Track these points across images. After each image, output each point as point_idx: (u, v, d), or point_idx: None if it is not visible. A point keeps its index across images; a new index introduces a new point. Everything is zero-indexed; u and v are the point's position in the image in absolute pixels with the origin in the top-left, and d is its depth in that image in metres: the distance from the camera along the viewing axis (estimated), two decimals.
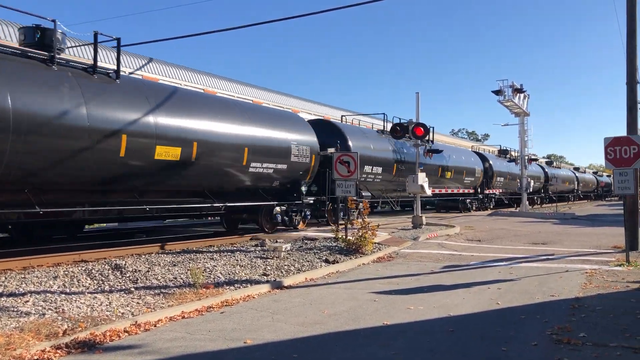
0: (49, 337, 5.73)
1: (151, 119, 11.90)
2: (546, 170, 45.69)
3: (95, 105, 10.78)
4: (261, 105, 21.69)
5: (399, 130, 21.27)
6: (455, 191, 31.15)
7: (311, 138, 17.49)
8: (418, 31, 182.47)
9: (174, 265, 10.16)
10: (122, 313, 6.89)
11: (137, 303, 7.44)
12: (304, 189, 16.97)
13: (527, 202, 34.16)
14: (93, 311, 6.90)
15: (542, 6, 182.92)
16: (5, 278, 8.49)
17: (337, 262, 11.47)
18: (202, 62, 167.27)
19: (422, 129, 20.01)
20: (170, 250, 12.40)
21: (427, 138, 21.78)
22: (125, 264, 9.76)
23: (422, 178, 19.93)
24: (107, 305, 7.23)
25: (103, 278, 8.88)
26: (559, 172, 53.64)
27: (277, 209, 16.03)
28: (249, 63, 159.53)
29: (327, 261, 11.46)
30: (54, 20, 10.91)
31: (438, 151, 25.35)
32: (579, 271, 10.60)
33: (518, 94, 32.14)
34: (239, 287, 8.71)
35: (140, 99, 11.95)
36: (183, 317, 6.96)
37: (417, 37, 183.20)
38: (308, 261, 11.31)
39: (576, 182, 59.94)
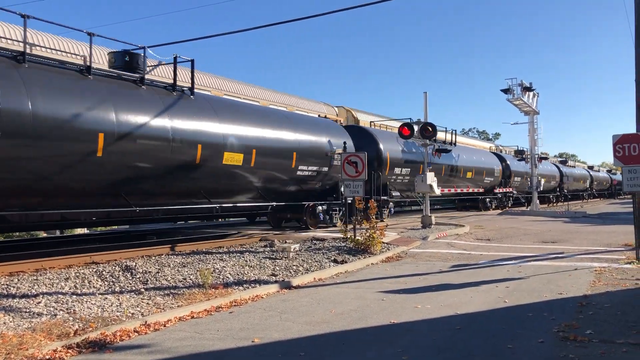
0: (61, 337, 5.83)
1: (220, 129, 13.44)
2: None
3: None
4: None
5: (408, 130, 21.31)
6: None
7: None
8: (426, 30, 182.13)
9: (184, 266, 10.26)
10: (132, 313, 6.98)
11: (147, 303, 7.53)
12: None
13: (537, 201, 33.98)
14: (104, 312, 7.00)
15: (551, 3, 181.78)
16: (18, 280, 8.63)
17: (346, 262, 11.52)
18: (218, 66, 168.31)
19: (430, 129, 20.01)
20: (180, 251, 12.50)
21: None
22: (135, 265, 9.87)
23: (431, 177, 19.93)
24: (117, 305, 7.33)
25: (113, 279, 8.99)
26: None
27: None
28: (259, 63, 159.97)
29: (335, 261, 11.51)
30: (143, 47, 12.47)
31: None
32: (588, 269, 10.57)
33: (527, 93, 31.99)
34: (248, 288, 8.78)
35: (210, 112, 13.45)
36: (192, 317, 7.04)
37: (425, 37, 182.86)
38: (316, 261, 11.37)
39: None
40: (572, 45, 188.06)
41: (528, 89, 31.96)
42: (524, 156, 38.62)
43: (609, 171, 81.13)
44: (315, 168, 17.15)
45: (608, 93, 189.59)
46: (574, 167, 60.41)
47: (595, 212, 32.60)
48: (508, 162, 36.81)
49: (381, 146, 21.30)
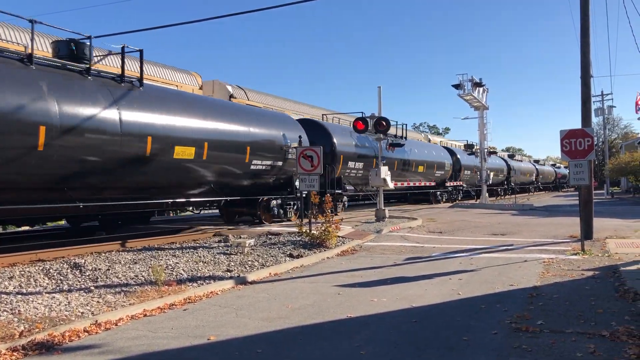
0: (5, 339, 5.57)
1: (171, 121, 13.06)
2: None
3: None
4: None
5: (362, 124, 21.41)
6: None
7: None
8: (376, 24, 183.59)
9: (135, 263, 9.99)
10: (82, 312, 6.74)
11: (98, 302, 7.29)
12: None
13: (486, 194, 34.85)
14: (51, 311, 6.73)
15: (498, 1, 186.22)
16: None
17: (302, 256, 11.48)
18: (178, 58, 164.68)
19: (384, 123, 20.16)
20: (131, 247, 12.17)
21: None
22: (84, 263, 9.55)
23: (385, 171, 20.11)
24: (66, 305, 7.06)
25: (62, 277, 8.67)
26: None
27: None
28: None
29: (291, 256, 11.46)
30: (89, 37, 12.00)
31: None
32: (537, 261, 10.89)
33: (477, 88, 32.72)
34: (202, 284, 8.63)
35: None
36: (145, 315, 6.86)
37: (375, 32, 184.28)
38: (272, 256, 11.28)
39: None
40: (518, 42, 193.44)
41: (478, 84, 32.69)
42: (473, 150, 39.78)
43: (553, 165, 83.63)
44: (269, 162, 17.02)
45: (553, 89, 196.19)
46: (521, 160, 62.24)
47: (541, 205, 33.67)
48: (458, 156, 37.74)
49: (335, 140, 21.45)
